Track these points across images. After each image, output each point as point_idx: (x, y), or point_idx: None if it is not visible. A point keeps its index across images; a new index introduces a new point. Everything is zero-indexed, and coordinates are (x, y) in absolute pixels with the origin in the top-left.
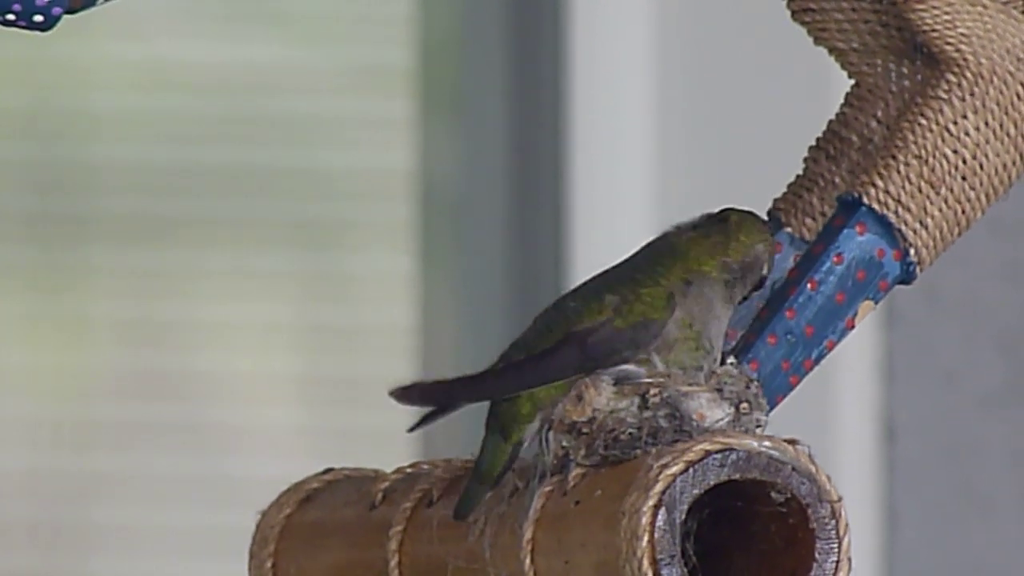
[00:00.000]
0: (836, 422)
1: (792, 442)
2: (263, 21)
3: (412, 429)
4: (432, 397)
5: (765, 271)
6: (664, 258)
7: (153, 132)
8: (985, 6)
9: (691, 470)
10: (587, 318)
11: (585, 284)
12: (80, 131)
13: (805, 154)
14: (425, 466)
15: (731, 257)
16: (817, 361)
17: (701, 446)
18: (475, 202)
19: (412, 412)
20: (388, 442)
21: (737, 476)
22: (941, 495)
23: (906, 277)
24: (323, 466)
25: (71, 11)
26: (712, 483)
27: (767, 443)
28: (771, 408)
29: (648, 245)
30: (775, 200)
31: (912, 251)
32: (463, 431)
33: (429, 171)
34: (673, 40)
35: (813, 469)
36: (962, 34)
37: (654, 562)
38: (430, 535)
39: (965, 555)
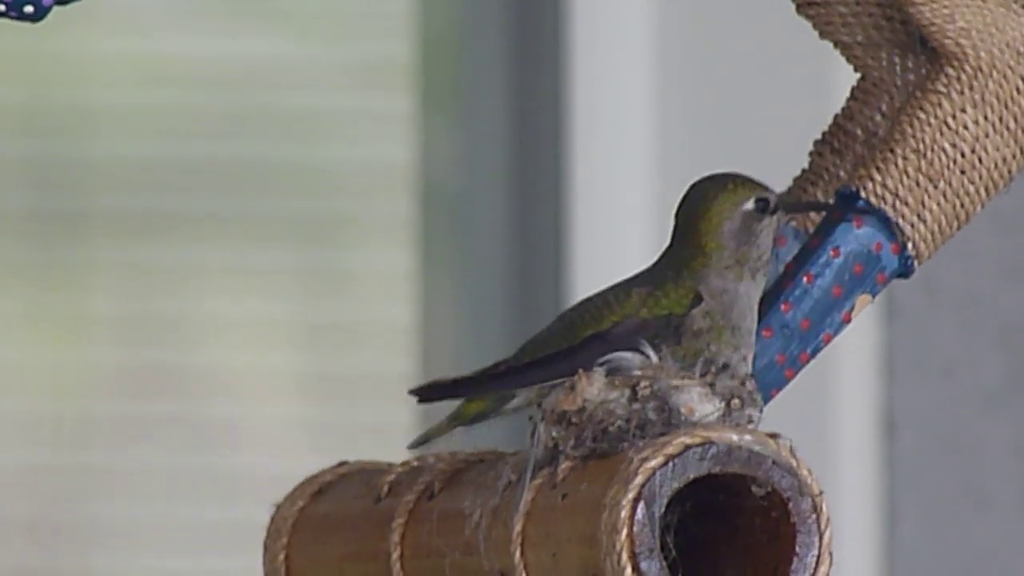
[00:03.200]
0: (836, 417)
1: (774, 436)
2: (262, 16)
3: (413, 446)
4: (454, 391)
5: (749, 205)
6: (691, 260)
7: (152, 128)
8: (984, 0)
9: (671, 463)
10: (616, 312)
11: (623, 281)
12: (79, 127)
13: (805, 149)
14: (430, 459)
15: (720, 238)
16: (813, 354)
17: (681, 439)
18: (475, 197)
19: (412, 409)
20: (388, 438)
21: (717, 470)
22: (941, 490)
23: (904, 271)
24: (322, 462)
25: (62, 2)
26: (692, 476)
27: (748, 437)
28: (766, 402)
29: (679, 238)
30: (780, 194)
31: (910, 245)
32: (463, 430)
33: (429, 166)
34: (673, 35)
35: (794, 463)
36: (961, 28)
37: (633, 555)
38: (430, 528)
39: (965, 550)
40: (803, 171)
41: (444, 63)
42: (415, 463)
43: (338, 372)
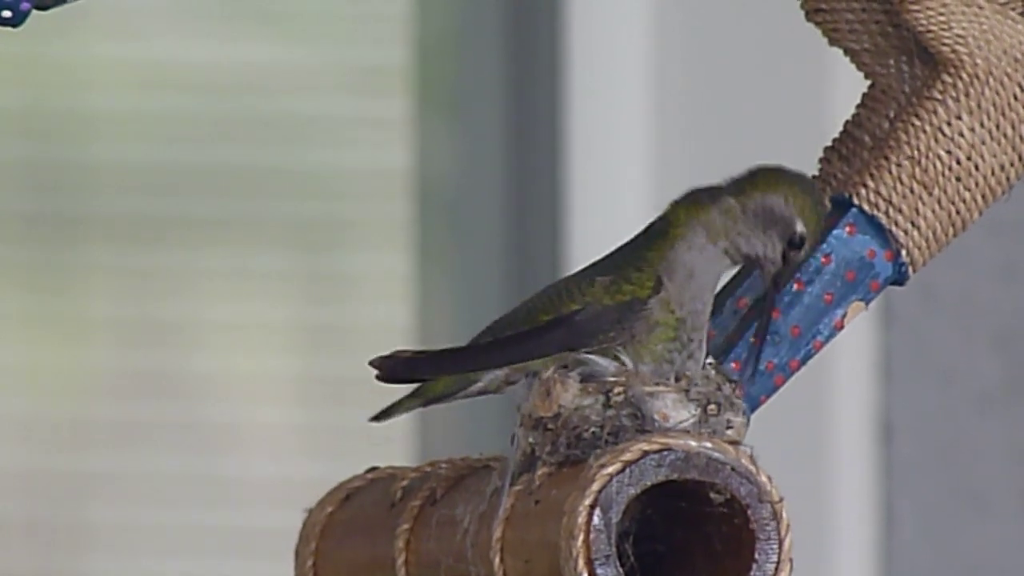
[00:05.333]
0: (833, 422)
1: (734, 443)
2: (260, 20)
3: (377, 419)
4: (414, 369)
5: (799, 227)
6: (658, 236)
7: (149, 132)
8: (981, 7)
9: (628, 470)
10: (577, 299)
11: (583, 269)
12: (76, 131)
13: (802, 151)
14: (443, 465)
15: (730, 214)
16: (804, 361)
17: (639, 446)
18: (472, 201)
19: (411, 412)
20: (385, 442)
21: (675, 476)
22: (938, 494)
23: (899, 278)
24: (321, 466)
25: (42, 7)
26: (649, 483)
27: (707, 444)
28: (754, 408)
29: (651, 223)
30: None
31: (904, 252)
32: (463, 429)
33: (426, 170)
34: (671, 39)
35: (753, 469)
36: (958, 35)
37: (589, 562)
38: (429, 534)
39: (962, 554)
40: (813, 177)
41: (441, 67)
42: (427, 468)
43: (336, 375)
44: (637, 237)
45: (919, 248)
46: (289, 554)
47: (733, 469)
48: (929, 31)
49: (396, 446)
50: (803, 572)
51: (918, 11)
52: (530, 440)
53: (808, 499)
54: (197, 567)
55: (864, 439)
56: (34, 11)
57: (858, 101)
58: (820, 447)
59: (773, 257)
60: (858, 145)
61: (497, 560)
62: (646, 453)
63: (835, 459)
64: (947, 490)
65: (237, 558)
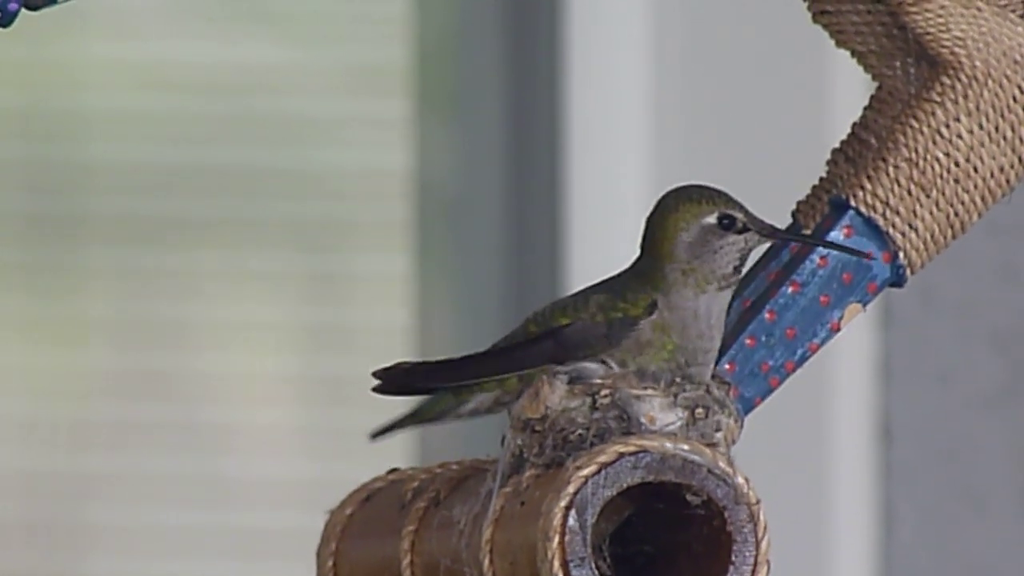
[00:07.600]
0: (833, 423)
1: (711, 445)
2: (259, 21)
3: (375, 437)
4: (413, 379)
5: (719, 211)
6: (651, 265)
7: (148, 132)
8: (980, 9)
9: (603, 472)
10: (569, 314)
11: (581, 289)
12: (75, 132)
13: (800, 152)
14: (453, 466)
15: (676, 249)
16: (800, 363)
17: (615, 448)
18: (472, 202)
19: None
20: (385, 443)
21: (651, 478)
22: (937, 495)
23: (897, 280)
24: (320, 467)
25: (31, 7)
26: (625, 485)
27: (683, 446)
28: (749, 410)
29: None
30: (798, 202)
31: (901, 254)
32: (463, 433)
33: (426, 171)
34: (670, 40)
35: (730, 471)
36: (956, 37)
37: (564, 563)
38: (431, 535)
39: (961, 555)
40: (820, 179)
41: (441, 68)
42: (437, 469)
43: (336, 376)
44: (637, 263)
45: (917, 250)
46: (288, 554)
47: (709, 471)
48: (928, 33)
49: (396, 447)
50: (803, 573)
51: (917, 13)
52: (519, 442)
53: (808, 500)
54: (196, 567)
55: (864, 440)
56: (28, 12)
57: (859, 103)
58: (820, 449)
59: (741, 245)
60: (864, 147)
61: (487, 561)
62: (622, 455)
63: (835, 460)
64: (947, 491)
65: (236, 558)
